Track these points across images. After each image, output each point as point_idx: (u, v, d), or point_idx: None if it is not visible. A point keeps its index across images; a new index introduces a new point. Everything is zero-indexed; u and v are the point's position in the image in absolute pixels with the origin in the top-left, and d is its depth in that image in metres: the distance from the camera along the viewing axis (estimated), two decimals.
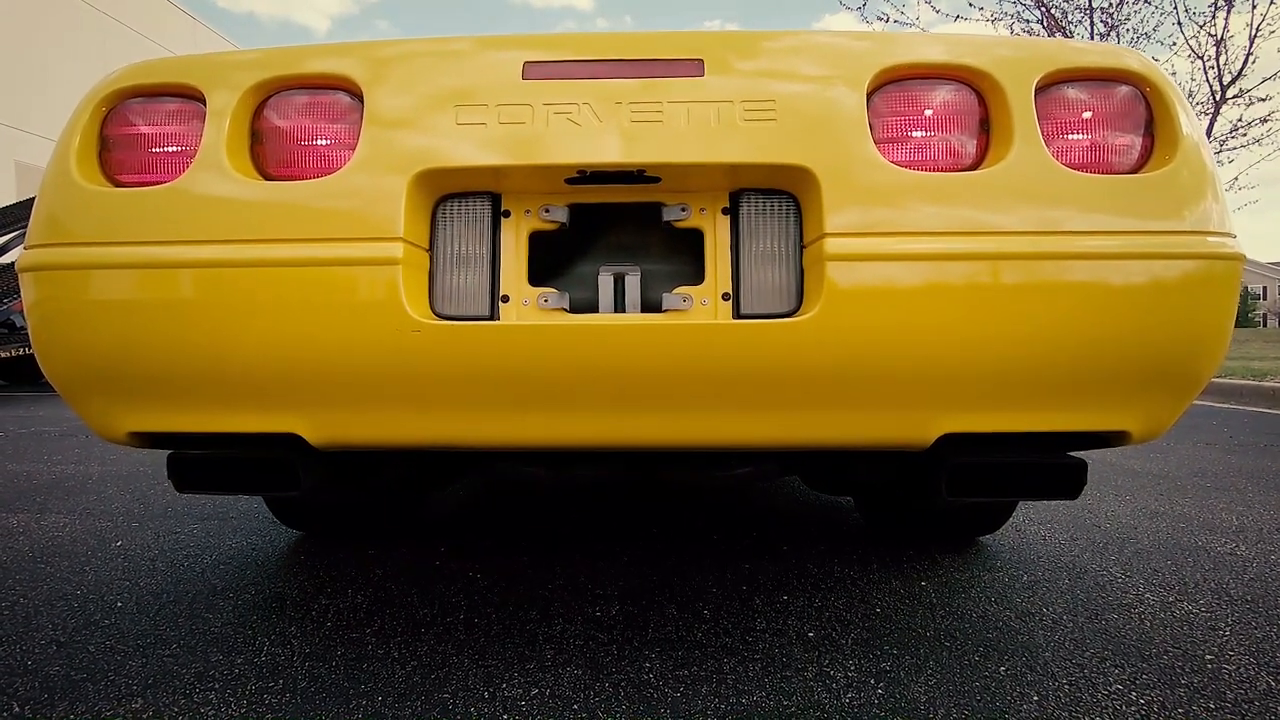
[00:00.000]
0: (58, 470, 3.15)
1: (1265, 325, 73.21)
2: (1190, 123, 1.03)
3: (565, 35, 1.07)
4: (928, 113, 1.03)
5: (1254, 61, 8.62)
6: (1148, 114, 1.05)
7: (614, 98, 1.00)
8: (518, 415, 1.03)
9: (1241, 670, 1.25)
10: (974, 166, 1.03)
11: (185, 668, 1.27)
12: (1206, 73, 8.76)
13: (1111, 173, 1.02)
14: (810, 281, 1.01)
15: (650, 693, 1.19)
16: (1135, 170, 1.03)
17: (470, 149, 0.99)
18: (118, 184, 1.07)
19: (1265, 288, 78.28)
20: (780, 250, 1.05)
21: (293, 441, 1.06)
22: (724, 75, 1.02)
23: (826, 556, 1.87)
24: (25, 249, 1.06)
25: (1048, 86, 1.04)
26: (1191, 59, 8.88)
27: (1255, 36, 8.49)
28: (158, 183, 1.05)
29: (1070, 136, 1.03)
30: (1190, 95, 9.12)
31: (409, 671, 1.25)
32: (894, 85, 1.04)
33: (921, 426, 1.02)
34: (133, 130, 1.07)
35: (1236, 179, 9.58)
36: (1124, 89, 1.05)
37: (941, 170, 1.03)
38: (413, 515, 2.21)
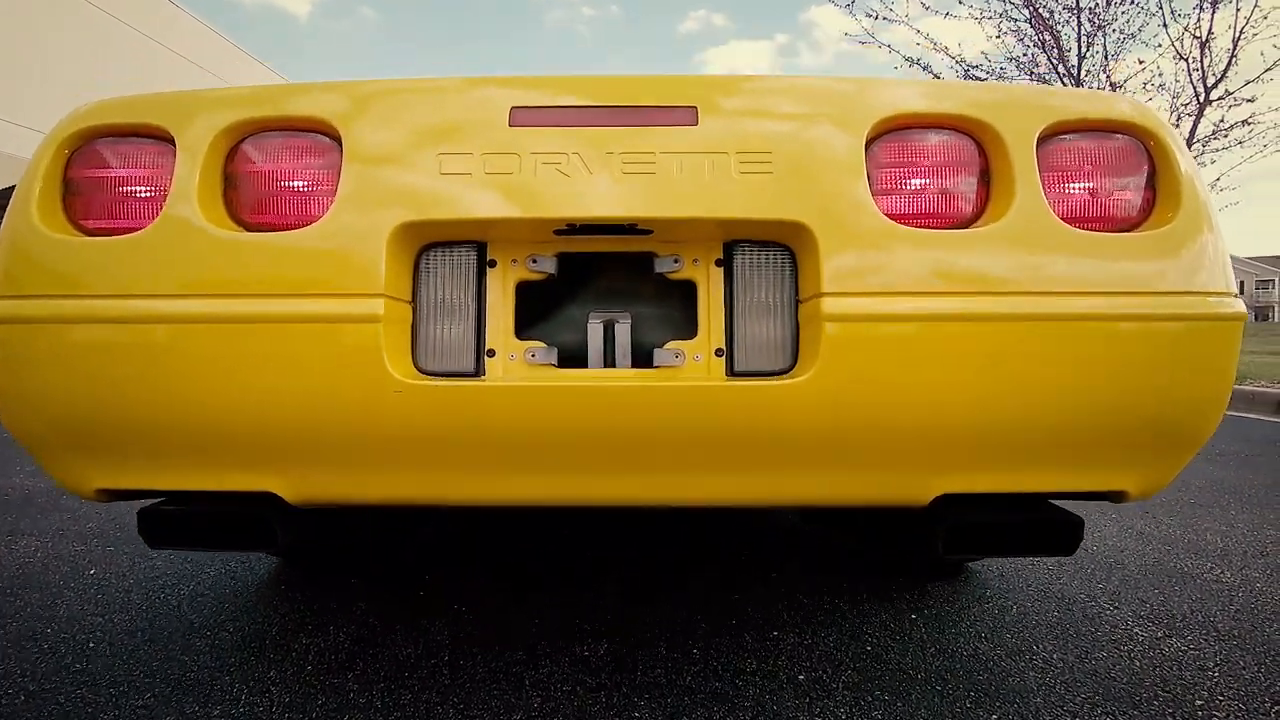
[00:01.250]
0: (30, 484, 3.07)
1: None
2: (1193, 176, 1.01)
3: (554, 78, 1.03)
4: (927, 165, 1.01)
5: (1237, 63, 8.68)
6: (1150, 167, 1.02)
7: (605, 147, 0.97)
8: (504, 475, 0.99)
9: (1232, 718, 1.25)
10: (974, 218, 1.01)
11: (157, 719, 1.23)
12: (1190, 74, 8.81)
13: (1113, 228, 1.00)
14: (806, 340, 0.98)
15: None
16: (1137, 225, 1.01)
17: (455, 200, 0.95)
18: (83, 230, 1.02)
19: (1242, 281, 79.57)
20: (775, 304, 1.02)
21: (269, 499, 1.03)
22: (718, 124, 0.98)
23: (817, 584, 1.85)
24: None
25: (1049, 137, 1.01)
26: (1176, 60, 8.92)
27: (1239, 39, 8.54)
28: (125, 230, 1.00)
29: (1071, 190, 1.01)
30: (1175, 97, 9.18)
31: None
32: (893, 135, 1.01)
33: (919, 487, 1.00)
34: (98, 173, 1.02)
35: (1218, 180, 9.67)
36: (1127, 141, 1.03)
37: (941, 224, 1.00)
38: (397, 547, 2.17)
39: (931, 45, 9.75)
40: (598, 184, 0.95)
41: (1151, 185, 1.02)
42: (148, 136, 1.02)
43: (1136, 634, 1.59)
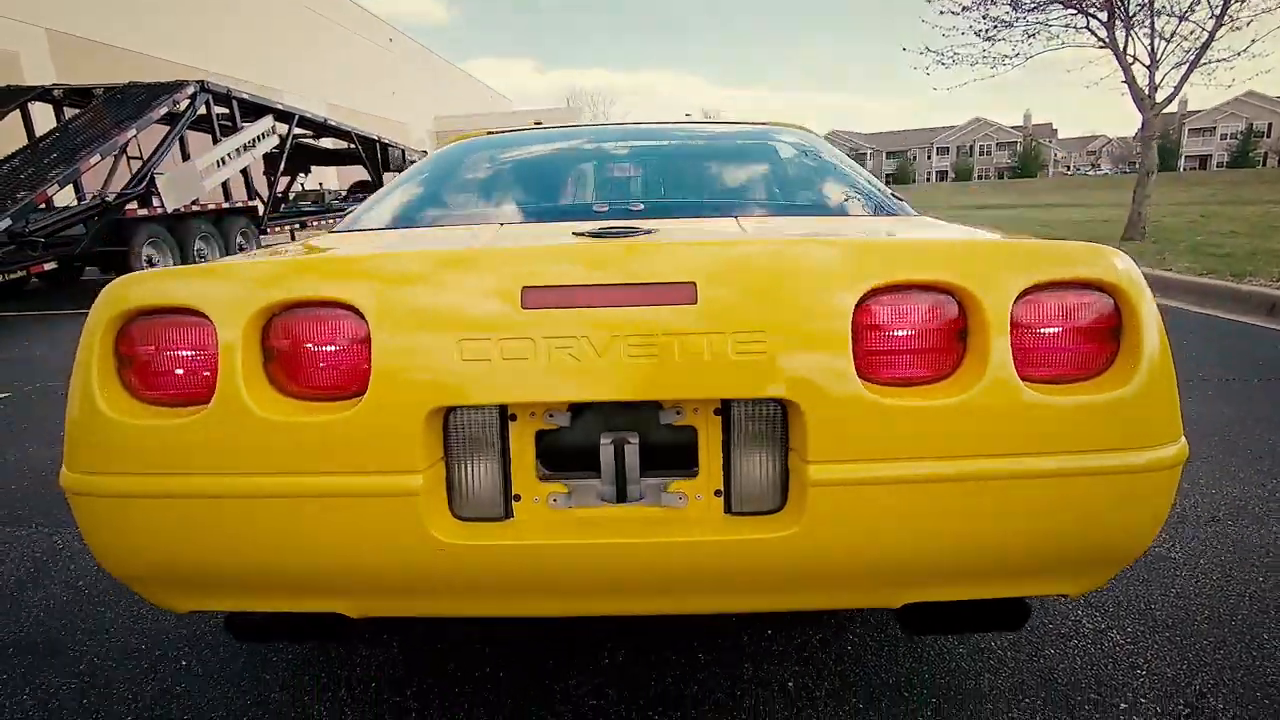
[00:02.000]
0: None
1: (1265, 164, 71.64)
2: (1156, 330, 1.09)
3: (562, 250, 1.09)
4: (910, 329, 1.08)
5: None
6: (1118, 320, 1.10)
7: (611, 329, 1.04)
8: (532, 598, 1.17)
9: None
10: (949, 373, 1.10)
11: None
12: None
13: (1076, 378, 1.10)
14: (794, 488, 1.11)
15: None
16: (1099, 373, 1.10)
17: (478, 387, 1.05)
18: (142, 399, 1.12)
19: (1270, 124, 75.86)
20: (767, 449, 1.13)
21: (336, 615, 1.21)
22: (716, 300, 1.05)
23: None
24: (66, 470, 1.14)
25: (1025, 293, 1.08)
26: None
27: None
28: (181, 399, 1.11)
29: (1040, 345, 1.09)
30: None
31: None
32: (879, 301, 1.08)
33: (890, 597, 1.17)
34: (147, 350, 1.11)
35: (1252, 44, 9.10)
36: (1100, 297, 1.09)
37: (918, 381, 1.10)
38: None
39: None
40: (605, 368, 1.04)
41: (1116, 338, 1.10)
42: (187, 313, 1.10)
43: (1083, 626, 1.82)
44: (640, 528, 1.12)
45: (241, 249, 10.58)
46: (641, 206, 1.63)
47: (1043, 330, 1.09)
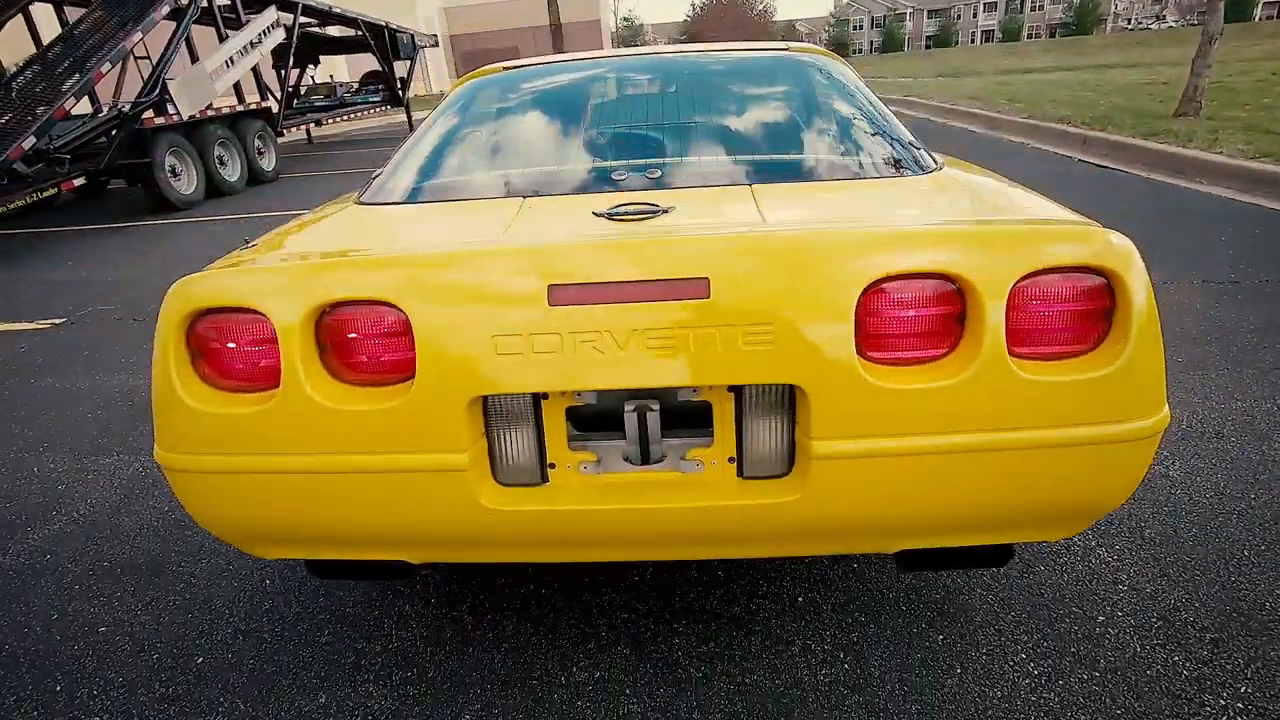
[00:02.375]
0: (145, 381, 3.52)
1: None
2: (1147, 306, 1.14)
3: (584, 248, 1.16)
4: (911, 316, 1.15)
5: None
6: (1111, 301, 1.15)
7: (631, 324, 1.13)
8: (565, 550, 1.34)
9: (1120, 636, 1.66)
10: (946, 353, 1.17)
11: (341, 657, 1.74)
12: None
13: (1066, 355, 1.16)
14: (799, 463, 1.23)
15: (680, 673, 1.64)
16: (1090, 350, 1.17)
17: (512, 378, 1.15)
18: (216, 387, 1.26)
19: None
20: (775, 422, 1.24)
21: (400, 562, 1.40)
22: (728, 294, 1.12)
23: None
24: (158, 448, 1.30)
25: (1022, 279, 1.13)
26: None
27: None
28: (251, 386, 1.24)
29: (1034, 325, 1.14)
30: None
31: (504, 653, 1.72)
32: (882, 290, 1.14)
33: (886, 545, 1.31)
34: (215, 345, 1.23)
35: None
36: (1095, 280, 1.14)
37: (916, 362, 1.18)
38: None
39: None
40: (627, 360, 1.13)
41: (1109, 316, 1.16)
42: (247, 312, 1.21)
43: (1074, 544, 1.97)
44: (663, 491, 1.26)
45: (260, 154, 10.50)
46: (659, 174, 1.66)
47: (1038, 312, 1.14)
